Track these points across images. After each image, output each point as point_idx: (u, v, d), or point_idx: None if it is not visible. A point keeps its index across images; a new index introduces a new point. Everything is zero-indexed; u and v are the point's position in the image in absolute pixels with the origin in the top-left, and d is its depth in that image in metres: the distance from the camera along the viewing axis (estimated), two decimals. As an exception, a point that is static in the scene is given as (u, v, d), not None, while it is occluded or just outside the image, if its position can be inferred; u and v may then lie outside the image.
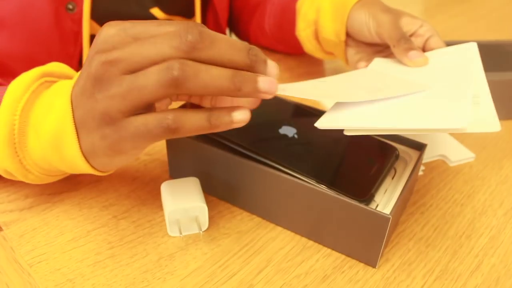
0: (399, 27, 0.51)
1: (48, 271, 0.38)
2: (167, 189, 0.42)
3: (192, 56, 0.31)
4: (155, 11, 0.64)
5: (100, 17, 0.59)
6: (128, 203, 0.45)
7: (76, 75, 0.37)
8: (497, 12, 1.00)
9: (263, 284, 0.38)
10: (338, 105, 0.40)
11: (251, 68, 0.33)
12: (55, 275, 0.38)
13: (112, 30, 0.32)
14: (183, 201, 0.40)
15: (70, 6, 0.56)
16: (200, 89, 0.31)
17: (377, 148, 0.44)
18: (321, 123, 0.38)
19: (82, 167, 0.36)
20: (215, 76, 0.31)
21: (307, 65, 0.73)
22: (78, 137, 0.35)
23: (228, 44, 0.32)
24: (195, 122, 0.32)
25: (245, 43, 0.33)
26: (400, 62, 0.51)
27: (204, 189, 0.44)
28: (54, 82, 0.39)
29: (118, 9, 0.61)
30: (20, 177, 0.39)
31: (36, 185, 0.46)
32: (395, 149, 0.44)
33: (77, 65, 0.59)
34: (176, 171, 0.47)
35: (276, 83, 0.34)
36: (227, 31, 0.79)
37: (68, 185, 0.46)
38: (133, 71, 0.31)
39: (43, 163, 0.38)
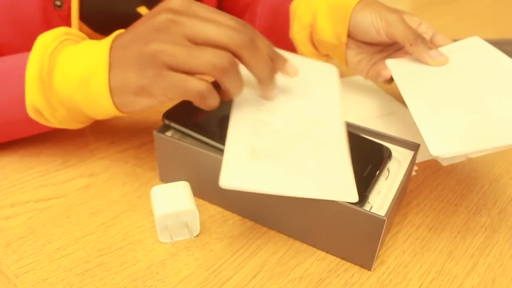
0: (410, 26, 0.52)
1: (35, 281, 0.37)
2: (157, 194, 0.41)
3: (241, 52, 0.37)
4: (142, 10, 0.63)
5: (86, 15, 0.58)
6: (117, 209, 0.44)
7: (111, 35, 0.41)
8: (485, 11, 1.00)
9: (257, 290, 0.37)
10: (431, 122, 0.42)
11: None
12: (43, 285, 0.36)
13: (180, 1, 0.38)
14: (174, 206, 0.39)
15: (58, 3, 0.55)
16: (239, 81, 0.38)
17: (370, 149, 0.44)
18: (442, 151, 0.39)
19: (105, 103, 0.40)
20: (260, 67, 0.39)
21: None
22: (109, 75, 0.39)
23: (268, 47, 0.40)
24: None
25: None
26: (417, 61, 0.53)
27: (195, 193, 0.43)
28: (77, 41, 0.43)
29: (105, 7, 0.60)
30: (47, 115, 0.42)
31: (21, 193, 0.45)
32: (388, 149, 0.44)
33: None
34: (166, 175, 0.46)
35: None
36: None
37: (55, 192, 0.45)
38: (191, 39, 0.37)
39: (68, 102, 0.42)
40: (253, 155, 0.37)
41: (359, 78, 0.67)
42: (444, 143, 0.40)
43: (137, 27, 0.39)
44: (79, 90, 0.40)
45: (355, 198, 0.37)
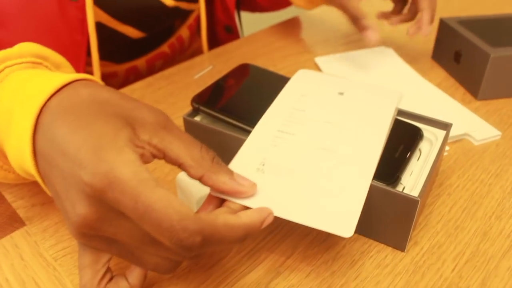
0: (357, 6, 0.60)
1: (73, 264, 0.38)
2: (184, 180, 0.41)
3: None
4: None
5: (104, 3, 0.58)
6: (149, 194, 0.44)
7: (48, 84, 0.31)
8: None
9: (291, 271, 0.37)
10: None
11: None
12: (80, 268, 0.37)
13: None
14: (207, 187, 0.39)
15: None
16: None
17: (401, 129, 0.43)
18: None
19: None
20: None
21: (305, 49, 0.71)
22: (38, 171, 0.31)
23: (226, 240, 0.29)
24: None
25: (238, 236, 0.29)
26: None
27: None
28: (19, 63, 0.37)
29: None
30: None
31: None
32: (419, 129, 0.43)
33: (85, 53, 0.59)
34: (195, 160, 0.46)
35: None
36: (235, 13, 0.78)
37: (88, 178, 0.46)
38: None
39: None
40: (258, 169, 0.36)
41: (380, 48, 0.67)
42: None
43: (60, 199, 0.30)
44: (21, 170, 0.33)
45: (349, 233, 0.31)
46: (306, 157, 0.37)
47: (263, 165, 0.36)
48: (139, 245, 0.29)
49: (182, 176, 0.41)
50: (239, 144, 0.42)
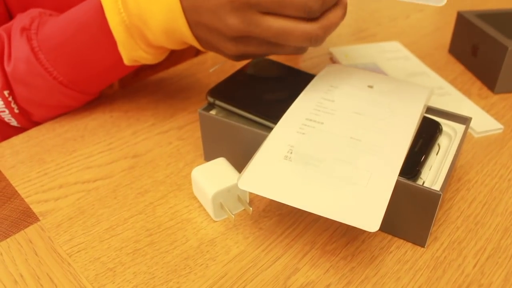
0: None
1: (87, 260, 0.37)
2: (200, 175, 0.40)
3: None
4: None
5: None
6: (163, 189, 0.44)
7: None
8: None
9: (309, 267, 0.36)
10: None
11: None
12: (95, 264, 0.37)
13: None
14: (223, 182, 0.39)
15: None
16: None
17: (420, 123, 0.42)
18: None
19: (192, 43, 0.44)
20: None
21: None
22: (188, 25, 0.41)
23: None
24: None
25: None
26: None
27: (240, 171, 0.43)
28: None
29: None
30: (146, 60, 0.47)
31: (68, 175, 0.45)
32: (438, 124, 0.42)
33: None
34: (211, 155, 0.46)
35: None
36: None
37: (101, 173, 0.45)
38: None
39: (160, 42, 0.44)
40: (286, 157, 0.36)
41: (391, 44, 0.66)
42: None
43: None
44: (167, 40, 0.44)
45: (375, 227, 0.31)
46: (334, 146, 0.37)
47: (291, 153, 0.36)
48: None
49: (197, 171, 0.41)
50: (255, 138, 0.41)
